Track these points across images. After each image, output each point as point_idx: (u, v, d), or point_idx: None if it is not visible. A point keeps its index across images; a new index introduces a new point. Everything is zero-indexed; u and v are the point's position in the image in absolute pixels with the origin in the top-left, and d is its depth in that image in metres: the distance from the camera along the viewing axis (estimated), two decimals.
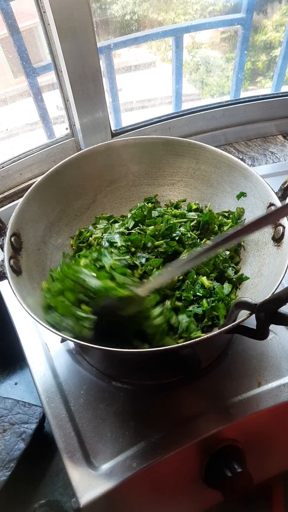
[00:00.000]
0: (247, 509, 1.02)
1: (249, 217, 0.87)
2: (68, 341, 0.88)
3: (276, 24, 1.42)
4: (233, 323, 0.63)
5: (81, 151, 0.95)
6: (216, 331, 0.64)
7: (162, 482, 0.79)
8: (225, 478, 0.72)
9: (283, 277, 0.68)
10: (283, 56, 1.43)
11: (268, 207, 0.81)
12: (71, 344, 0.89)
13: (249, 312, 0.62)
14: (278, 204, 0.78)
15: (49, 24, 1.00)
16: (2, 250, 0.77)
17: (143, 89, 1.48)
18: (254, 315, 0.59)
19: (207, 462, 0.75)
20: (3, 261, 0.75)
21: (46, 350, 0.88)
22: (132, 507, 0.79)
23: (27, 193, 0.85)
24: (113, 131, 1.27)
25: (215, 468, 0.75)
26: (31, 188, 0.86)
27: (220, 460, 0.74)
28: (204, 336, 0.63)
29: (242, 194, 0.88)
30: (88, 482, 0.69)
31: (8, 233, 0.78)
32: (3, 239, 0.78)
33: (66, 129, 1.25)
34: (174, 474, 0.79)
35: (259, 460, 0.85)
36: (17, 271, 0.76)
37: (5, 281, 1.00)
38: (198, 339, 0.63)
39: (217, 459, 0.75)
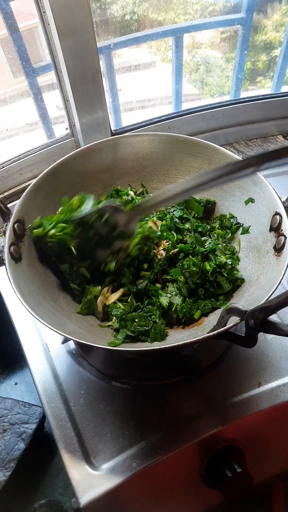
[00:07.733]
0: (247, 509, 1.02)
1: (255, 224, 0.85)
2: (69, 341, 0.88)
3: (276, 24, 1.42)
4: (221, 329, 0.63)
5: (92, 143, 0.94)
6: (203, 336, 0.64)
7: (162, 482, 0.79)
8: (225, 478, 0.72)
9: (277, 286, 0.68)
10: (283, 56, 1.43)
11: (273, 216, 0.80)
12: (71, 344, 0.89)
13: (239, 318, 0.62)
14: (283, 213, 0.78)
15: (49, 24, 1.00)
16: (5, 236, 0.77)
17: (143, 89, 1.48)
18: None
19: (207, 462, 0.75)
20: (3, 247, 0.76)
21: (46, 350, 0.88)
22: (132, 507, 0.79)
23: (35, 180, 0.85)
24: (113, 131, 1.27)
25: (215, 468, 0.75)
26: (39, 176, 0.86)
27: (220, 460, 0.75)
28: (190, 340, 0.63)
29: (250, 200, 0.87)
30: (88, 482, 0.69)
31: (12, 220, 0.78)
32: (6, 225, 0.78)
33: (66, 129, 1.25)
34: (174, 474, 0.79)
35: (259, 460, 0.85)
36: (16, 258, 0.76)
37: (5, 280, 1.00)
38: (186, 341, 0.63)
39: (217, 459, 0.75)
